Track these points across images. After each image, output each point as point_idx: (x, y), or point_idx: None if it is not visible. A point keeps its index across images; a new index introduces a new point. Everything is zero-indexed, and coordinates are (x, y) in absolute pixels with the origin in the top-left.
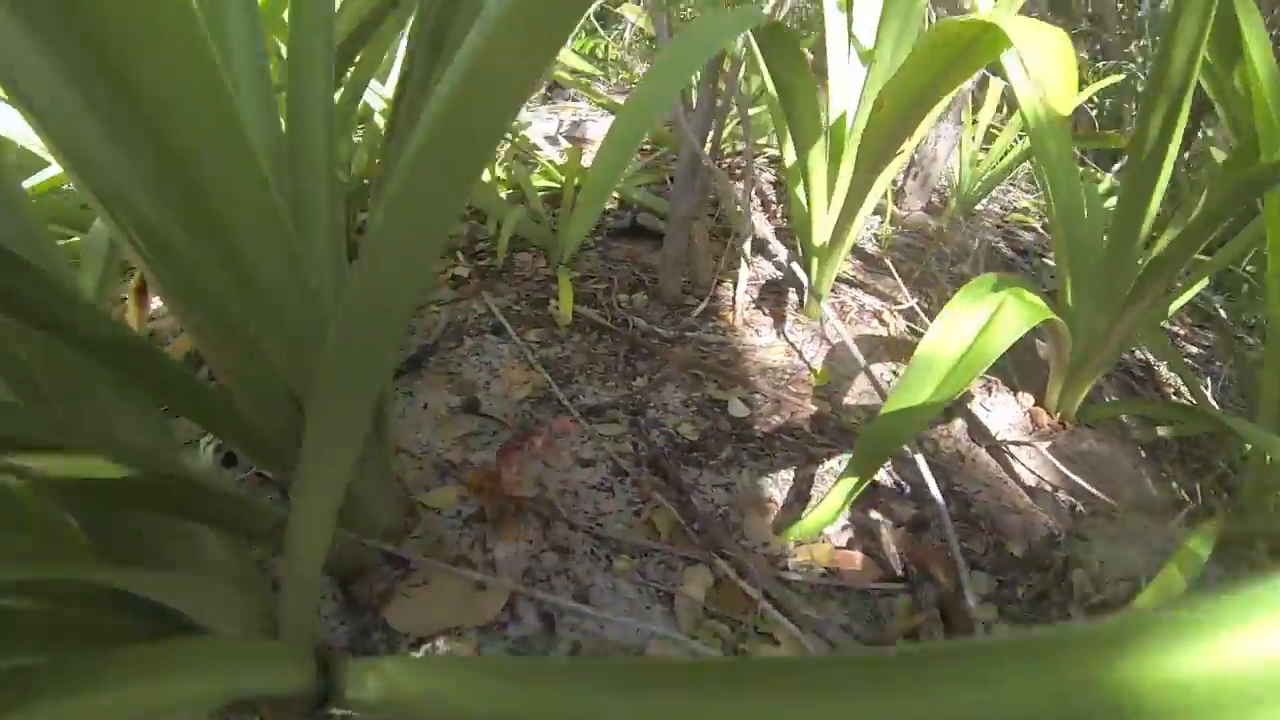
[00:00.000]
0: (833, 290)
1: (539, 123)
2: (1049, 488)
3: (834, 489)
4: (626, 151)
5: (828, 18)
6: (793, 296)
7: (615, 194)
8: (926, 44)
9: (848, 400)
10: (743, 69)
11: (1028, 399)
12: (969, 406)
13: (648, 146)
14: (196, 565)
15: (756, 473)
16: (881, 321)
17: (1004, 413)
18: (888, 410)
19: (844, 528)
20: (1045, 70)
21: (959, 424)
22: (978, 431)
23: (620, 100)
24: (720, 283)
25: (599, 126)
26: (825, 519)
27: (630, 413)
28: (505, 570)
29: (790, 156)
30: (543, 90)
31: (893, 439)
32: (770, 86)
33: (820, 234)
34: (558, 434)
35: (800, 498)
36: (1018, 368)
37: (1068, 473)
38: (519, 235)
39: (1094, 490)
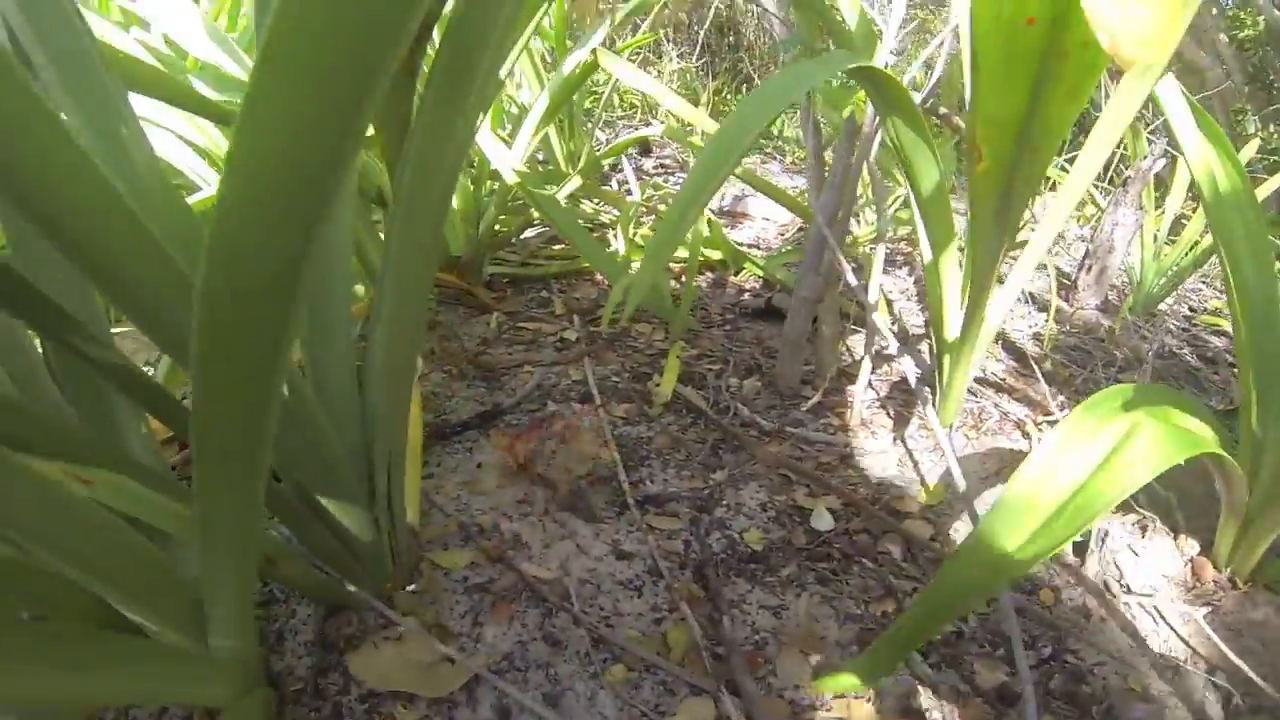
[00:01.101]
0: (974, 393)
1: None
2: (1199, 668)
3: (883, 639)
4: (687, 211)
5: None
6: (926, 397)
7: (759, 272)
8: (994, 48)
9: (956, 527)
10: (877, 140)
11: (1191, 546)
12: (1111, 547)
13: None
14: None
15: (818, 599)
16: (1023, 433)
17: (1157, 561)
18: (960, 561)
19: (904, 685)
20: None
21: (1093, 569)
22: (1116, 581)
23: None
24: (845, 375)
25: (759, 202)
26: (873, 672)
27: (695, 508)
28: (484, 650)
29: (923, 237)
30: None
31: (959, 598)
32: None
33: (951, 325)
34: (576, 422)
35: (861, 640)
36: (1184, 503)
37: (1227, 650)
38: (641, 305)
39: (1260, 679)
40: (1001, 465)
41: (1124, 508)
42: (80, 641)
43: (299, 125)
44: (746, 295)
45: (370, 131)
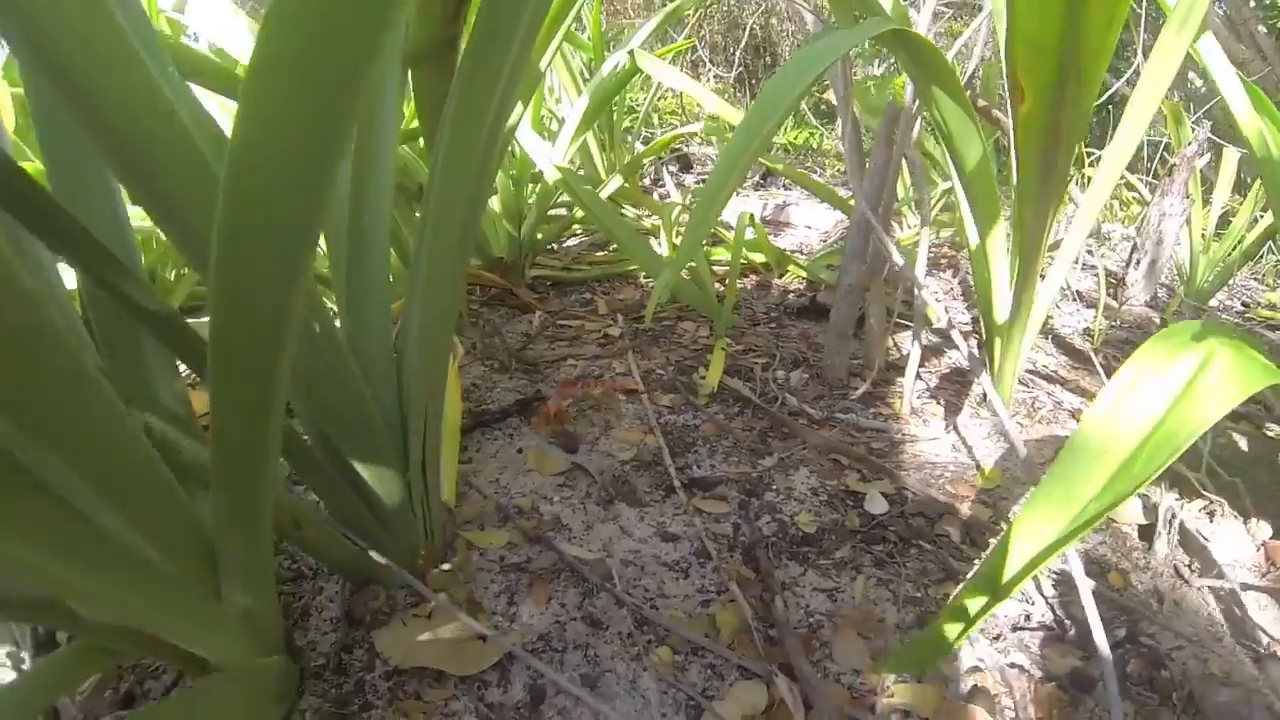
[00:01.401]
0: (1025, 384)
1: (746, 205)
2: None
3: (947, 613)
4: (727, 179)
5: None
6: (977, 389)
7: (802, 274)
8: None
9: (1015, 511)
10: (918, 125)
11: (1263, 529)
12: (1179, 531)
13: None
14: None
15: (875, 582)
16: (1079, 421)
17: (1227, 545)
18: (1030, 511)
19: (971, 669)
20: None
21: (1162, 552)
22: (1188, 565)
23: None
24: (894, 368)
25: (801, 210)
26: (936, 651)
27: (744, 492)
28: (519, 628)
29: (967, 218)
30: (755, 178)
31: (1037, 545)
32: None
33: (1000, 306)
34: (616, 388)
35: (922, 622)
36: (1252, 488)
37: None
38: (686, 304)
39: None
40: (1059, 452)
41: (1191, 492)
42: (83, 534)
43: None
44: (791, 296)
45: (414, 124)
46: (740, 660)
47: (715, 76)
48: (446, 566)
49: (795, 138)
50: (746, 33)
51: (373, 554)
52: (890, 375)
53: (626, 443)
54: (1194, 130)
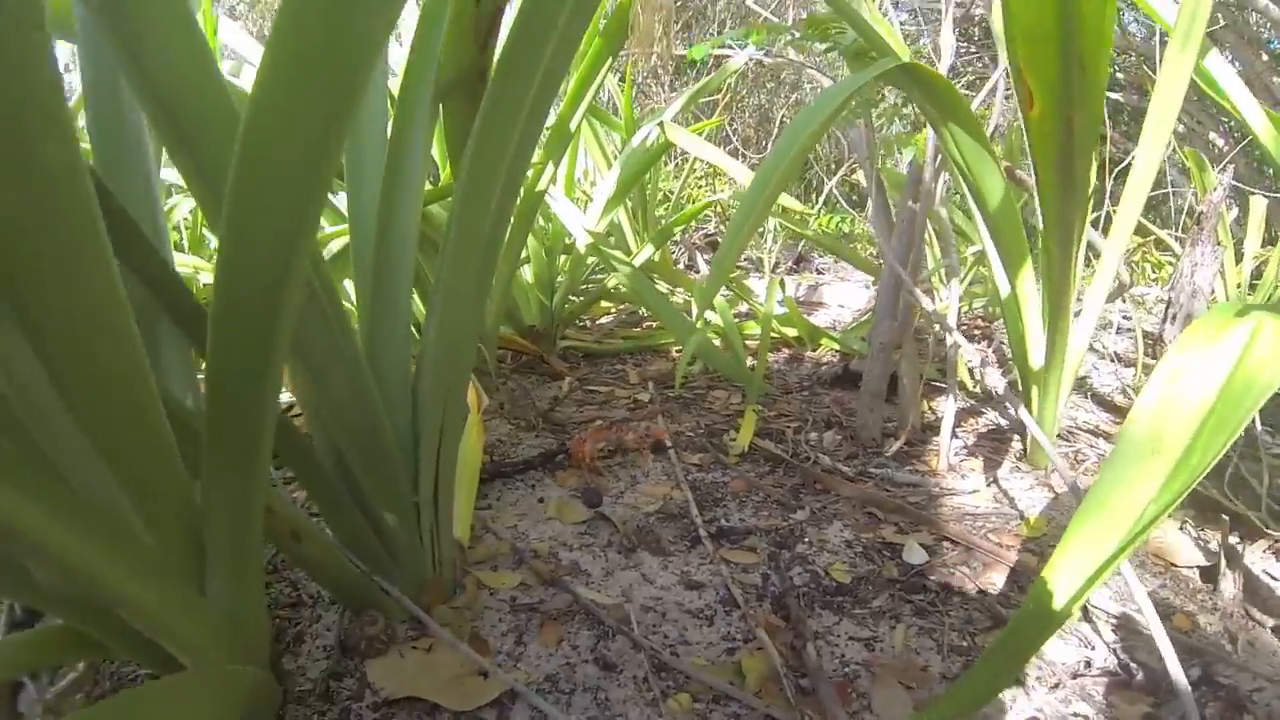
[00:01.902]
0: (1066, 438)
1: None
2: None
3: (995, 649)
4: (754, 210)
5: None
6: (1016, 445)
7: (835, 347)
8: None
9: None
10: (941, 182)
11: None
12: (1245, 565)
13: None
14: None
15: (916, 630)
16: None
17: None
18: (1083, 520)
19: None
20: None
21: (1229, 592)
22: (1259, 602)
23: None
24: (929, 429)
25: (834, 290)
26: (979, 696)
27: (775, 544)
28: (525, 667)
29: (995, 265)
30: (788, 263)
31: (1096, 557)
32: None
33: (1035, 351)
34: (648, 436)
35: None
36: None
37: None
38: (718, 374)
39: None
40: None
41: (1253, 532)
42: (68, 494)
43: None
44: (824, 367)
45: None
46: (769, 710)
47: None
48: (454, 605)
49: (827, 223)
50: (778, 126)
51: (375, 579)
52: (925, 435)
53: (652, 496)
54: (1218, 178)
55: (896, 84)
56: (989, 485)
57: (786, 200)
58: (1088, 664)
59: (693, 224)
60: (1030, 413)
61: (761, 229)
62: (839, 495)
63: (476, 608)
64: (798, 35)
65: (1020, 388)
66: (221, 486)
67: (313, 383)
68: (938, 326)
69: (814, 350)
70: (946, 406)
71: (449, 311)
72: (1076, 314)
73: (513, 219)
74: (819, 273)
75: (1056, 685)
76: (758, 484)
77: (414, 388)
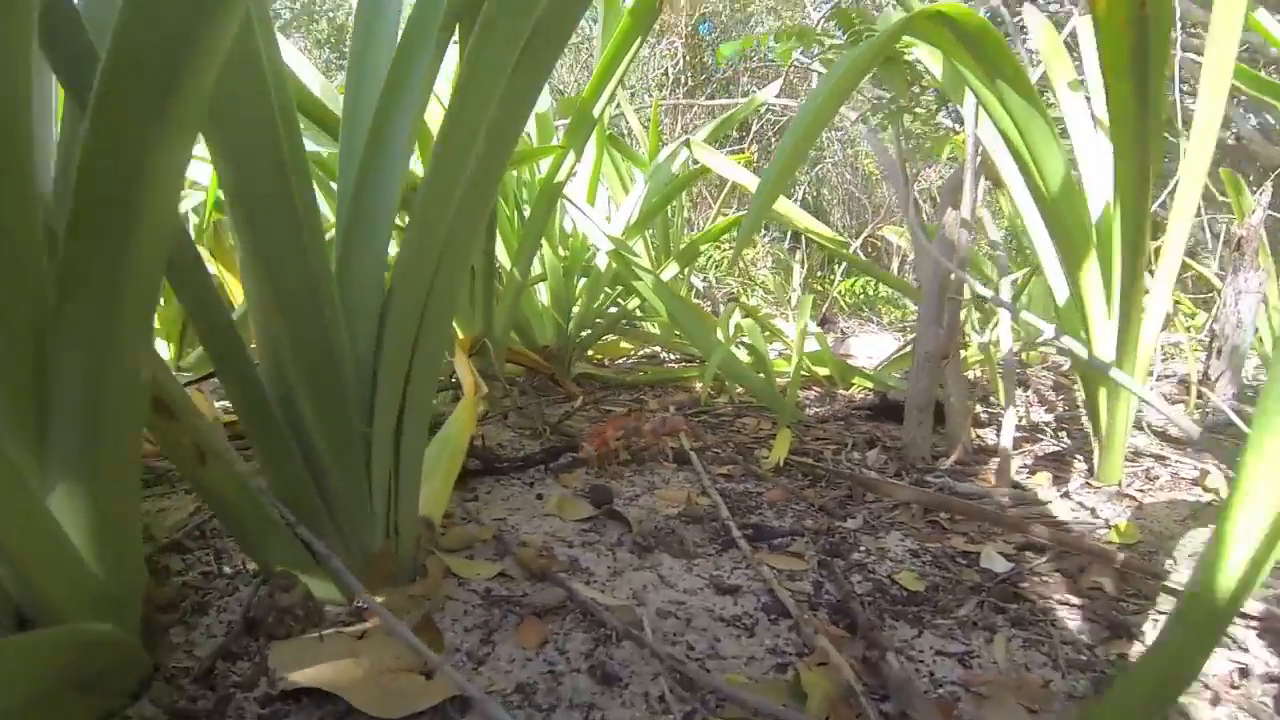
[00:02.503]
0: (1131, 459)
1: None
2: None
3: (1145, 665)
4: (798, 145)
5: (1062, 102)
6: (1078, 465)
7: (868, 385)
8: None
9: (1178, 563)
10: (981, 186)
11: None
12: None
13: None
14: None
15: (1020, 644)
16: (1204, 488)
17: None
18: (1236, 506)
19: None
20: None
21: None
22: None
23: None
24: (982, 452)
25: (861, 342)
26: (1152, 709)
27: (825, 551)
28: (487, 672)
29: (1047, 264)
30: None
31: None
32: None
33: (1102, 350)
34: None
35: (1100, 686)
36: None
37: None
38: (746, 403)
39: None
40: (1192, 514)
41: None
42: None
43: None
44: (858, 401)
45: None
46: None
47: (769, 240)
48: (410, 589)
49: (852, 285)
50: (798, 197)
51: (299, 532)
52: (979, 457)
53: (673, 500)
54: (1257, 199)
55: (930, 37)
56: (1061, 499)
57: (817, 226)
58: (1244, 672)
59: (715, 281)
60: (1098, 421)
61: (788, 285)
62: (895, 502)
63: (437, 596)
64: (825, 48)
65: (1083, 392)
66: (76, 320)
67: (266, 269)
68: (990, 334)
69: (845, 389)
70: (1005, 416)
71: (429, 220)
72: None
73: (530, 213)
74: (843, 333)
75: (1216, 700)
76: (799, 494)
77: (383, 306)
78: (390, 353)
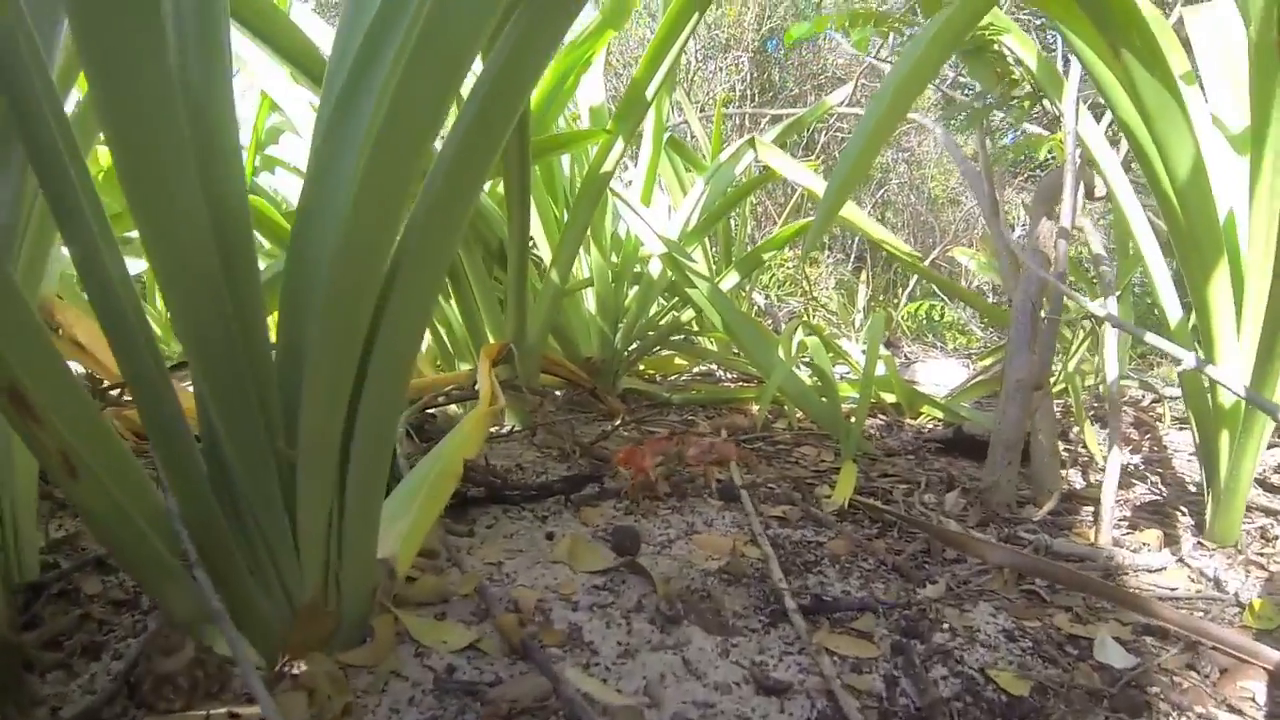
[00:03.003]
0: (1247, 515)
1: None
2: None
3: None
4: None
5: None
6: (1183, 519)
7: (939, 414)
8: None
9: None
10: (1081, 191)
11: None
12: None
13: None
14: None
15: None
16: None
17: None
18: None
19: None
20: None
21: None
22: None
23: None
24: (1075, 498)
25: (928, 368)
26: None
27: (898, 630)
28: None
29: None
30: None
31: None
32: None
33: (1228, 372)
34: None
35: None
36: None
37: None
38: (806, 430)
39: None
40: None
41: None
42: None
43: None
44: (929, 433)
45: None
46: None
47: (833, 262)
48: (347, 656)
49: (916, 309)
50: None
51: (197, 574)
52: (1071, 505)
53: (714, 550)
54: None
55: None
56: (1176, 564)
57: (890, 236)
58: None
59: (778, 299)
60: (1216, 468)
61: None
62: (983, 563)
63: (381, 671)
64: (904, 39)
65: (1196, 434)
66: None
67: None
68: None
69: (914, 419)
70: (1110, 460)
71: (391, 149)
72: None
73: (573, 205)
74: (908, 359)
75: None
76: (867, 546)
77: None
78: (325, 346)
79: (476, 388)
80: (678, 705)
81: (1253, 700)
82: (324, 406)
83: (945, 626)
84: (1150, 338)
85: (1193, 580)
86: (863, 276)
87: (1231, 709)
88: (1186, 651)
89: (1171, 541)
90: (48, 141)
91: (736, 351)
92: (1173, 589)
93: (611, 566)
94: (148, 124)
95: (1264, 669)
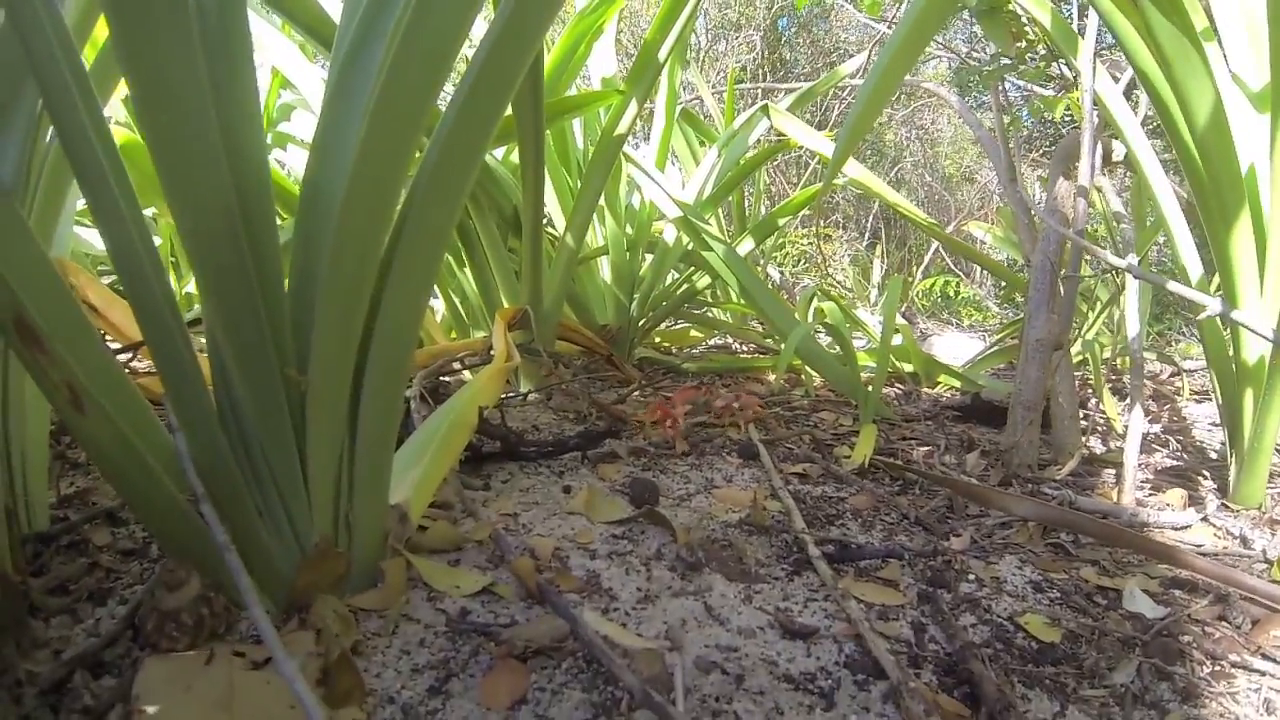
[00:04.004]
0: (1270, 481)
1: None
2: None
3: None
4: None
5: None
6: (1205, 483)
7: (955, 384)
8: None
9: None
10: (1099, 151)
11: None
12: None
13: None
14: None
15: None
16: None
17: None
18: None
19: None
20: None
21: None
22: None
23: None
24: (1095, 461)
25: (944, 341)
26: None
27: (924, 580)
28: None
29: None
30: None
31: None
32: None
33: (1252, 338)
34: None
35: None
36: None
37: None
38: (824, 396)
39: None
40: None
41: None
42: None
43: None
44: (947, 394)
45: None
46: None
47: (847, 239)
48: (357, 599)
49: (932, 285)
50: (877, 203)
51: (205, 510)
52: (1093, 468)
53: (734, 504)
54: None
55: None
56: (1201, 522)
57: (905, 202)
58: None
59: (792, 276)
60: (1240, 430)
61: (866, 283)
62: (1007, 518)
63: (392, 614)
64: None
65: (1219, 396)
66: None
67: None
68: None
69: (931, 388)
70: (1132, 418)
71: (403, 78)
72: None
73: (586, 168)
74: (924, 334)
75: None
76: (890, 501)
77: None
78: (340, 269)
79: (492, 352)
80: (700, 649)
81: None
82: (338, 330)
83: (971, 577)
84: (1173, 285)
85: (1218, 538)
86: (877, 251)
87: (1266, 657)
88: (1217, 604)
89: (1195, 502)
90: (59, 82)
91: (752, 323)
92: (1199, 545)
93: (630, 517)
94: (165, 52)
95: None
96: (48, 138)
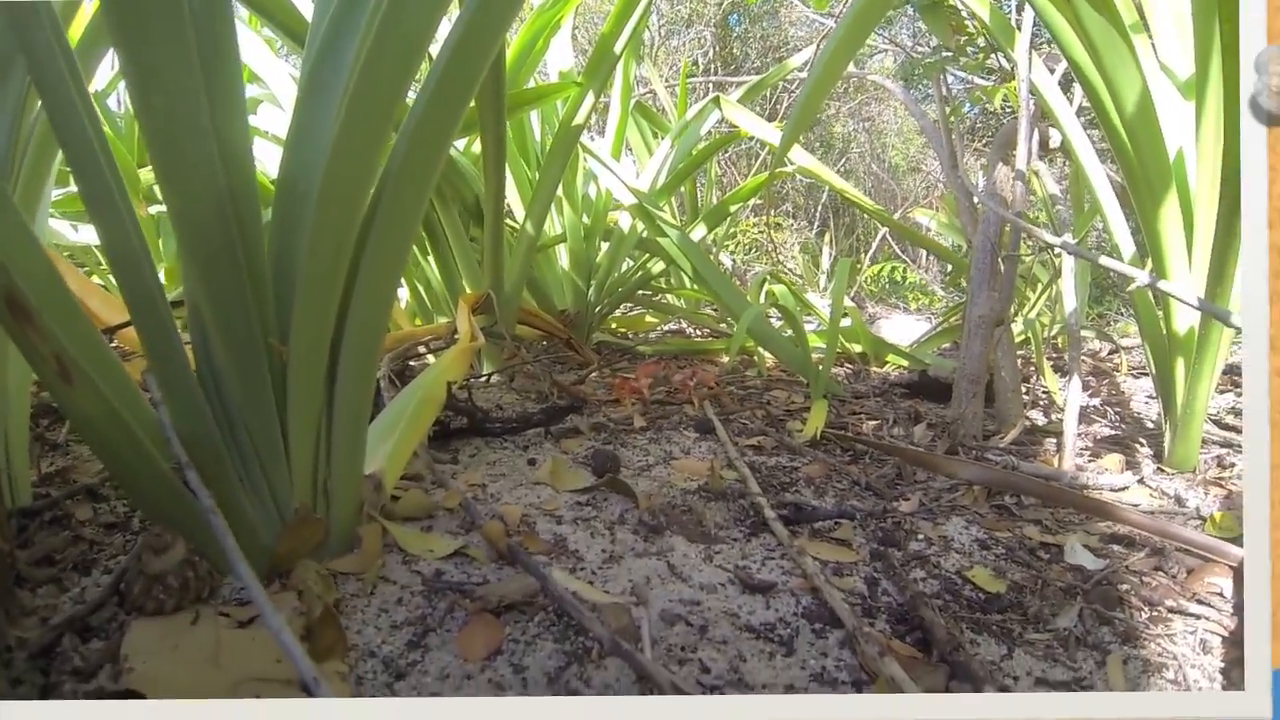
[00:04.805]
0: (1203, 447)
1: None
2: None
3: None
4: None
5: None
6: (1142, 450)
7: (903, 363)
8: None
9: None
10: (1035, 139)
11: None
12: None
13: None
14: None
15: (1139, 666)
16: None
17: None
18: None
19: None
20: None
21: None
22: None
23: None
24: (1038, 432)
25: (891, 324)
26: None
27: (876, 539)
28: (405, 689)
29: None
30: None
31: None
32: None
33: (1182, 309)
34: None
35: None
36: None
37: None
38: (775, 377)
39: None
40: None
41: None
42: None
43: None
44: (895, 372)
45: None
46: None
47: (797, 227)
48: (335, 563)
49: (879, 271)
50: (826, 193)
51: (185, 478)
52: (1035, 438)
53: (692, 473)
54: None
55: None
56: (1138, 484)
57: (851, 189)
58: None
59: (744, 264)
60: (1172, 398)
61: (815, 270)
62: (953, 482)
63: (369, 576)
64: None
65: (1153, 368)
66: None
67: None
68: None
69: (879, 367)
70: (1070, 389)
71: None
72: None
73: (545, 157)
74: (872, 318)
75: None
76: (842, 470)
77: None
78: (318, 253)
79: (456, 336)
80: (664, 604)
81: (1220, 594)
82: (318, 296)
83: (920, 537)
84: (1105, 260)
85: (1154, 498)
86: (826, 239)
87: (1202, 602)
88: (1153, 556)
89: (1133, 466)
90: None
91: (706, 308)
92: (1136, 504)
93: (593, 485)
94: (159, 35)
95: (1229, 566)
96: (28, 126)
